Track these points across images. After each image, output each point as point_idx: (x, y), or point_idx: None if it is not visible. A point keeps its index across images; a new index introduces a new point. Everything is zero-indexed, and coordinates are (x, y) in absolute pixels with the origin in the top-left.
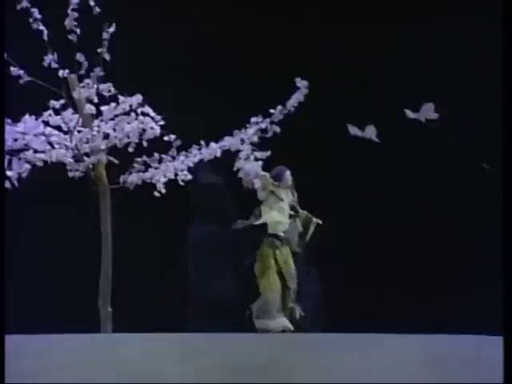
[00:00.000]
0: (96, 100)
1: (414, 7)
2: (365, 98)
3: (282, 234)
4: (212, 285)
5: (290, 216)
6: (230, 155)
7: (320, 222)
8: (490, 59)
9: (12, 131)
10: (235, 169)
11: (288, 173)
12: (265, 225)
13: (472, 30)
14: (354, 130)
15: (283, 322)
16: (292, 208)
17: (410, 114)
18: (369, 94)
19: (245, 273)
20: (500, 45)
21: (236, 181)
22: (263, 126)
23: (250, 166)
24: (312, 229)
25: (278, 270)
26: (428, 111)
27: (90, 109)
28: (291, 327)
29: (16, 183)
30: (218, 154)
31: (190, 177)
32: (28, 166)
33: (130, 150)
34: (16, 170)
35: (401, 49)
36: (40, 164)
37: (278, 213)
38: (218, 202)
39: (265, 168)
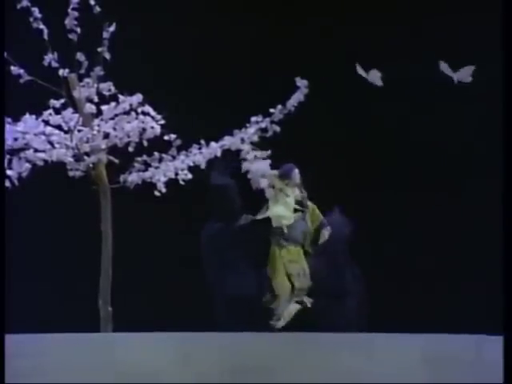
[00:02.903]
0: (96, 99)
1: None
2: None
3: (286, 232)
4: (227, 283)
5: (296, 210)
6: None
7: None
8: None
9: (12, 130)
10: (243, 171)
11: (296, 171)
12: (270, 220)
13: None
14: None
15: (292, 309)
16: (297, 202)
17: (444, 68)
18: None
19: (258, 274)
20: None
21: (246, 181)
22: (263, 125)
23: (257, 166)
24: (325, 235)
25: (285, 270)
26: (466, 73)
27: (90, 108)
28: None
29: (16, 182)
30: (218, 154)
31: (190, 176)
32: (28, 166)
33: (131, 149)
34: (16, 170)
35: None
36: (40, 163)
37: (283, 207)
38: (227, 202)
39: (273, 166)
